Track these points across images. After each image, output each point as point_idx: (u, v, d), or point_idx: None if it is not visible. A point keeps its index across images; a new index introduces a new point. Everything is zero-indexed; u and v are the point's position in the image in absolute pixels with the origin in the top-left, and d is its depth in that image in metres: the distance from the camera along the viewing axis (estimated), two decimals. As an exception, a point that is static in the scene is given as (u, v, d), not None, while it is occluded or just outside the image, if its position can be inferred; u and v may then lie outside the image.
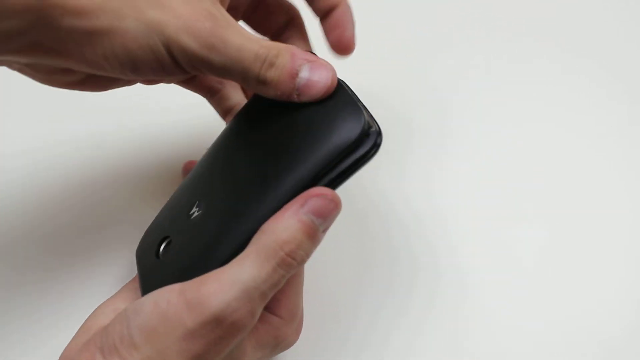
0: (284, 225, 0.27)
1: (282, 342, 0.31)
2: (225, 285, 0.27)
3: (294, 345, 0.33)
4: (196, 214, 0.31)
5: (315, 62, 0.30)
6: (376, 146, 0.28)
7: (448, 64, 0.48)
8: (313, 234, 0.28)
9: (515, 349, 0.37)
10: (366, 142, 0.28)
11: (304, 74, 0.29)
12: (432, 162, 0.44)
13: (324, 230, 0.28)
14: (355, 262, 0.40)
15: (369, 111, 0.30)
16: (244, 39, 0.29)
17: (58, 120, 0.46)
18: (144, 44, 0.28)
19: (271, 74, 0.29)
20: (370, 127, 0.28)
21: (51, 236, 0.41)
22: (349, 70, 0.46)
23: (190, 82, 0.38)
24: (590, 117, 0.46)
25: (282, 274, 0.27)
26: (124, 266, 0.40)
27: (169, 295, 0.27)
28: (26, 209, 0.42)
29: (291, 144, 0.29)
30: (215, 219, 0.30)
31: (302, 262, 0.28)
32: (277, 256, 0.27)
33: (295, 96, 0.30)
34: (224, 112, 0.39)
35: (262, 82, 0.29)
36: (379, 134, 0.29)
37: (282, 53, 0.30)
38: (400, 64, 0.48)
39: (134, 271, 0.34)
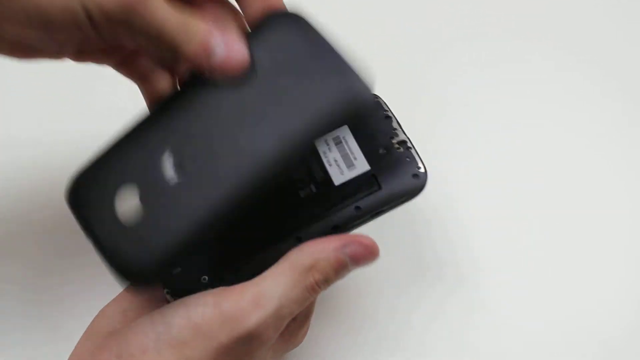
0: (323, 255, 0.28)
1: (293, 344, 0.32)
2: (262, 301, 0.27)
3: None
4: (174, 175, 0.28)
5: (230, 39, 0.28)
6: (423, 187, 0.32)
7: (442, 62, 0.48)
8: (341, 273, 0.29)
9: (515, 348, 0.37)
10: (417, 184, 0.32)
11: (219, 50, 0.28)
12: (428, 162, 0.44)
13: (350, 271, 0.29)
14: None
15: (416, 149, 0.33)
16: (166, 7, 0.28)
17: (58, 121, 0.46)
18: (58, 2, 0.27)
19: (190, 47, 0.28)
20: (419, 167, 0.32)
21: (50, 233, 0.41)
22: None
23: (123, 64, 0.34)
24: (587, 115, 0.46)
25: (307, 297, 0.28)
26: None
27: (204, 310, 0.27)
28: (26, 206, 0.42)
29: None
30: (201, 188, 0.27)
31: (324, 289, 0.29)
32: (307, 280, 0.28)
33: (211, 72, 0.28)
34: (151, 99, 0.35)
35: (181, 54, 0.28)
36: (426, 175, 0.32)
37: (200, 26, 0.28)
38: (393, 64, 0.48)
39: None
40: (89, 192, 0.28)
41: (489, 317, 0.38)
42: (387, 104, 0.35)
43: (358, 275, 0.39)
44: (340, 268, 0.29)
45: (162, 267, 0.27)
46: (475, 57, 0.48)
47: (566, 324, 0.38)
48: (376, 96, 0.36)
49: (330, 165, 0.33)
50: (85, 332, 0.31)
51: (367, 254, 0.29)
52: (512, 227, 0.41)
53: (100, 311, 0.31)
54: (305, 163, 0.33)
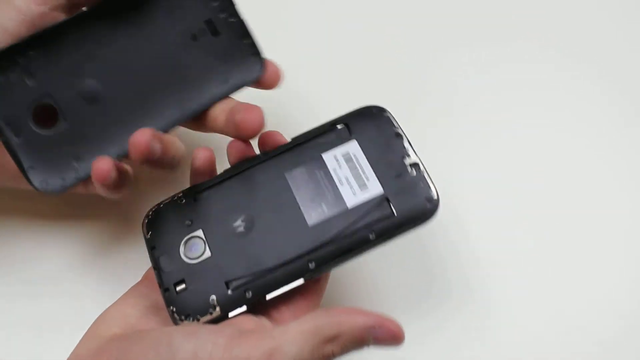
0: (348, 329, 0.28)
1: None
2: (276, 357, 0.27)
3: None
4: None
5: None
6: (435, 212, 0.32)
7: (445, 67, 0.48)
8: (359, 347, 0.29)
9: (516, 348, 0.38)
10: (430, 209, 0.32)
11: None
12: (430, 166, 0.44)
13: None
14: (359, 265, 0.40)
15: (427, 172, 0.33)
16: None
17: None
18: None
19: None
20: (431, 192, 0.32)
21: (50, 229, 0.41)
22: (344, 75, 0.47)
23: None
24: (590, 119, 0.46)
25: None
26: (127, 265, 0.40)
27: (213, 349, 0.27)
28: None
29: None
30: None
31: (336, 358, 0.29)
32: (325, 349, 0.28)
33: None
34: None
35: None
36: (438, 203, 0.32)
37: None
38: (397, 68, 0.48)
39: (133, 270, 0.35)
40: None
41: (488, 316, 0.38)
42: (396, 119, 0.35)
43: (364, 289, 0.39)
44: (361, 346, 0.28)
45: None
46: (474, 59, 0.48)
47: (566, 324, 0.38)
48: (384, 110, 0.35)
49: (342, 184, 0.33)
50: (87, 332, 0.31)
51: (392, 340, 0.29)
52: (511, 229, 0.41)
53: (102, 313, 0.32)
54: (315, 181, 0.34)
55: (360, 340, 0.28)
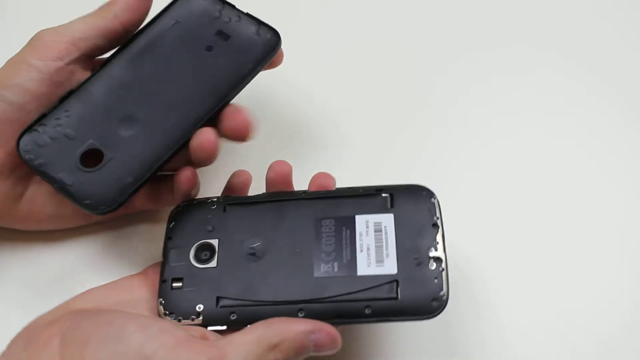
0: (289, 336, 0.29)
1: None
2: (218, 359, 0.28)
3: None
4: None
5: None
6: (438, 313, 0.32)
7: (444, 74, 0.48)
8: (301, 356, 0.30)
9: (515, 348, 0.38)
10: (434, 308, 0.31)
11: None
12: (430, 166, 0.44)
13: (308, 355, 0.30)
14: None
15: (447, 270, 0.32)
16: None
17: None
18: None
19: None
20: (442, 293, 0.32)
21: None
22: (344, 84, 0.47)
23: None
24: (589, 125, 0.46)
25: None
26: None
27: (159, 349, 0.27)
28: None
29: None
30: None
31: None
32: (268, 357, 0.29)
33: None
34: None
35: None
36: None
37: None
38: (395, 76, 0.48)
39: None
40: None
41: (487, 316, 0.39)
42: (441, 208, 0.34)
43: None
44: (302, 352, 0.30)
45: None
46: (476, 65, 0.48)
47: (565, 324, 0.38)
48: (433, 195, 0.35)
49: (361, 251, 0.33)
50: (61, 304, 0.32)
51: (331, 344, 0.30)
52: (511, 229, 0.42)
53: (86, 290, 0.33)
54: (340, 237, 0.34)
55: (301, 346, 0.30)
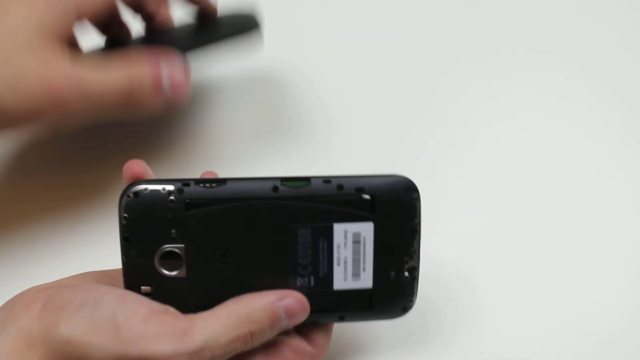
0: (260, 306, 0.29)
1: None
2: (187, 337, 0.28)
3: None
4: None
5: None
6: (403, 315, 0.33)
7: (444, 74, 0.48)
8: (275, 326, 0.30)
9: (515, 348, 0.37)
10: (401, 314, 0.33)
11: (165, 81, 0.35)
12: (430, 167, 0.44)
13: (283, 327, 0.30)
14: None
15: (418, 278, 0.33)
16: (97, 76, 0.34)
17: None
18: None
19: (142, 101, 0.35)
20: (411, 301, 0.33)
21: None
22: (344, 84, 0.47)
23: None
24: (588, 125, 0.46)
25: (237, 347, 0.29)
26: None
27: (131, 315, 0.28)
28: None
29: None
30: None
31: (256, 344, 0.30)
32: (241, 330, 0.29)
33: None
34: None
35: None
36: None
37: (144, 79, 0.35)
38: (395, 76, 0.48)
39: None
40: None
41: (487, 316, 0.38)
42: (421, 207, 0.32)
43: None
44: (275, 320, 0.30)
45: None
46: (477, 69, 0.48)
47: (564, 324, 0.38)
48: (415, 191, 0.32)
49: (338, 265, 0.32)
50: (60, 279, 0.31)
51: (300, 308, 0.30)
52: (511, 230, 0.41)
53: (84, 272, 0.32)
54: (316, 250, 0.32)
55: (273, 314, 0.30)
